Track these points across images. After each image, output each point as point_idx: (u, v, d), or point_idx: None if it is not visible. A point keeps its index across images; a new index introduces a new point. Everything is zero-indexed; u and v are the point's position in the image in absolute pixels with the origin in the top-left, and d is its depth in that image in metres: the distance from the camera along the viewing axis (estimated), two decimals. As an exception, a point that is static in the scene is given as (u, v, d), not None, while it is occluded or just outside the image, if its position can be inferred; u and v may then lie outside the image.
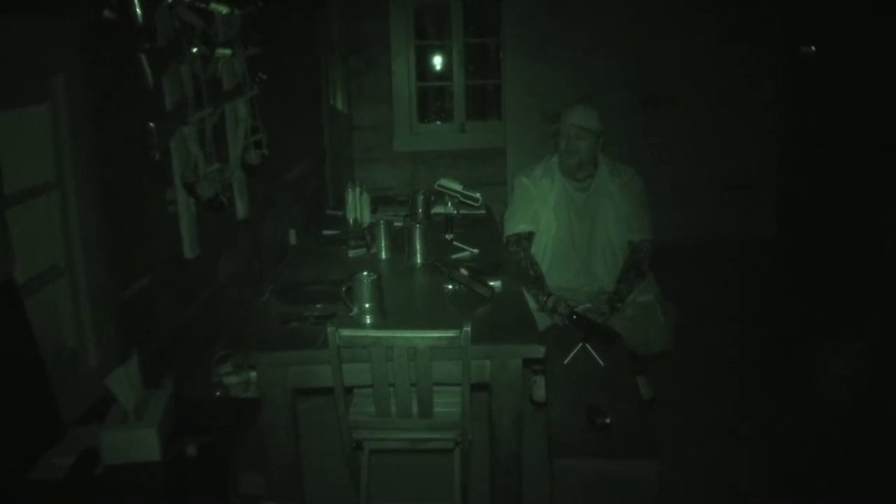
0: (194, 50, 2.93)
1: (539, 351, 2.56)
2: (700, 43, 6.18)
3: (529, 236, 3.71)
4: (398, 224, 3.77)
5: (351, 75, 6.37)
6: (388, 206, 4.45)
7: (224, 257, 3.49)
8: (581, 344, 3.26)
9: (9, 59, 2.05)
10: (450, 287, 3.03)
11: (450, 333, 2.38)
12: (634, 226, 3.67)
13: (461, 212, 3.99)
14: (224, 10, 3.22)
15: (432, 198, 4.10)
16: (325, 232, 4.00)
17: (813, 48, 5.99)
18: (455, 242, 3.66)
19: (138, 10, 2.53)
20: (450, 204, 3.84)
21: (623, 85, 6.13)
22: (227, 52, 3.29)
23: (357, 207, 4.15)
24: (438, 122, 6.94)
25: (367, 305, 2.69)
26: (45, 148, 2.28)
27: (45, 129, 2.26)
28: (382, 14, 6.37)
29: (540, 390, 3.73)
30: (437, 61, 6.87)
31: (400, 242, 3.49)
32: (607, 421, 2.70)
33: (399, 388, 2.49)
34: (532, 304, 3.36)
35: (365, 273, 2.71)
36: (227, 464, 2.06)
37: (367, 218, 4.10)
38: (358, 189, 4.17)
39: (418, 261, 3.40)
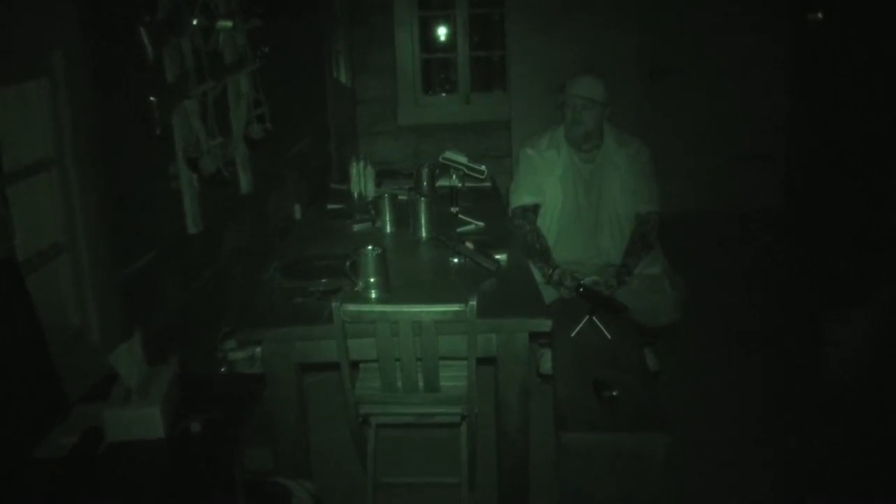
0: (195, 22, 2.89)
1: (546, 324, 2.55)
2: (708, 12, 6.12)
3: (535, 209, 3.69)
4: (403, 198, 3.75)
5: (354, 47, 6.33)
6: (392, 180, 4.42)
7: (228, 233, 3.48)
8: (588, 317, 3.25)
9: (6, 33, 2.02)
10: (455, 261, 3.01)
11: (455, 307, 2.37)
12: (641, 197, 3.64)
13: (466, 185, 3.96)
14: (224, -19, 3.19)
15: (437, 171, 4.07)
16: (330, 206, 3.98)
17: (819, 15, 5.92)
18: (460, 216, 3.64)
19: (137, -18, 2.50)
20: (455, 177, 3.81)
21: (631, 55, 6.06)
22: (229, 24, 3.25)
23: (361, 181, 4.12)
24: (443, 95, 6.90)
25: (371, 280, 2.68)
26: (45, 123, 2.25)
27: (44, 105, 2.24)
28: (385, -16, 6.32)
29: (547, 363, 3.72)
30: (442, 32, 6.81)
31: (405, 216, 3.47)
32: (614, 394, 2.70)
33: (405, 362, 2.48)
34: (538, 278, 3.35)
35: (370, 247, 2.69)
36: (232, 440, 2.05)
37: (371, 192, 4.07)
38: (362, 163, 4.14)
39: (423, 234, 3.38)
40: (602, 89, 3.55)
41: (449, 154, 3.82)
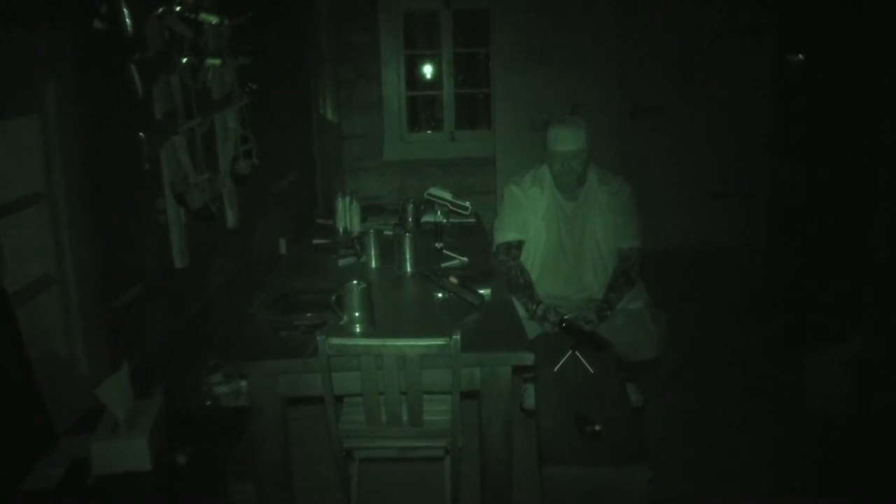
0: (184, 60, 2.94)
1: (528, 358, 2.57)
2: (689, 51, 6.21)
3: (519, 245, 3.73)
4: (388, 233, 3.78)
5: (340, 85, 6.39)
6: (377, 215, 4.46)
7: (214, 267, 3.49)
8: (571, 352, 3.27)
9: (-2, 70, 2.06)
10: (439, 295, 3.04)
11: (439, 341, 2.39)
12: (623, 234, 3.69)
13: (451, 220, 4.00)
14: (214, 20, 3.23)
15: (422, 206, 4.11)
16: (315, 241, 4.00)
17: (801, 56, 6.03)
18: (445, 251, 3.67)
19: (128, 21, 2.54)
20: (439, 213, 3.85)
21: (612, 93, 6.15)
22: (217, 62, 3.30)
23: (347, 216, 4.15)
24: (428, 132, 6.96)
25: (356, 314, 2.70)
26: (35, 158, 2.28)
27: (34, 140, 2.27)
28: (372, 24, 6.39)
29: (530, 398, 3.74)
30: (427, 70, 6.89)
31: (390, 251, 3.50)
32: (597, 428, 2.71)
33: (389, 396, 2.50)
34: (522, 313, 3.37)
35: (355, 282, 2.71)
36: (217, 473, 2.06)
37: (356, 227, 4.10)
38: (348, 198, 4.17)
39: (408, 269, 3.41)
40: (584, 134, 3.58)
41: (433, 190, 3.87)
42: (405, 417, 2.56)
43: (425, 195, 3.91)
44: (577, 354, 3.26)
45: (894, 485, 3.21)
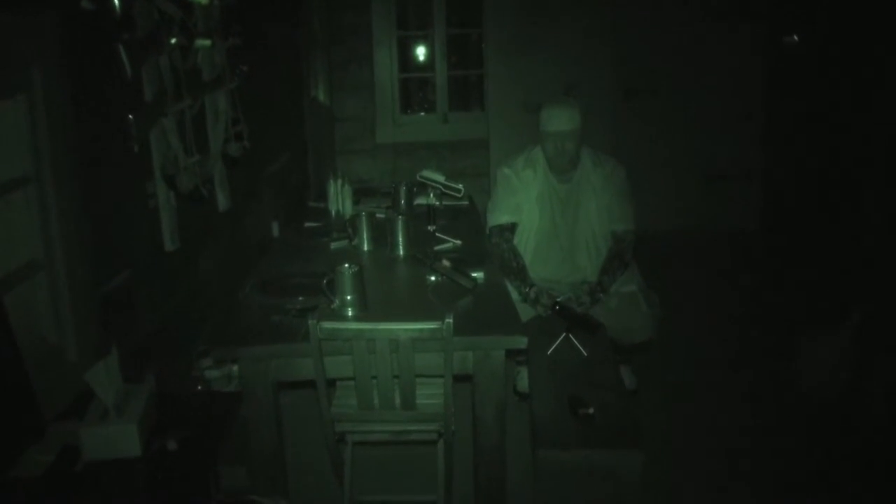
0: (173, 41, 2.90)
1: (522, 342, 2.56)
2: (683, 32, 6.18)
3: (512, 227, 3.71)
4: (380, 216, 3.76)
5: (332, 66, 6.35)
6: (370, 198, 4.44)
7: (205, 250, 3.47)
8: (564, 334, 3.27)
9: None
10: (432, 278, 3.03)
11: (432, 325, 2.38)
12: (617, 216, 3.67)
13: (444, 203, 3.98)
14: (203, 0, 3.20)
15: (415, 189, 4.09)
16: (308, 224, 3.98)
17: (795, 37, 6.01)
18: (437, 234, 3.66)
19: (116, 1, 2.51)
20: (432, 195, 3.83)
21: (606, 75, 6.12)
22: (207, 43, 3.26)
23: (339, 199, 4.13)
24: (421, 114, 6.93)
25: (348, 298, 2.68)
26: (22, 141, 2.25)
27: (21, 122, 2.23)
28: (364, 4, 6.34)
29: (523, 381, 3.73)
30: (420, 52, 6.85)
31: (382, 234, 3.48)
32: (590, 411, 2.71)
33: (381, 380, 2.49)
34: (515, 296, 3.36)
35: (347, 265, 2.69)
36: (208, 458, 2.05)
37: (349, 210, 4.08)
38: (340, 181, 4.15)
39: (401, 252, 3.39)
40: (577, 115, 3.55)
41: (426, 173, 3.85)
42: (398, 401, 2.55)
43: (418, 177, 3.89)
44: (571, 337, 3.26)
45: (887, 467, 3.22)
